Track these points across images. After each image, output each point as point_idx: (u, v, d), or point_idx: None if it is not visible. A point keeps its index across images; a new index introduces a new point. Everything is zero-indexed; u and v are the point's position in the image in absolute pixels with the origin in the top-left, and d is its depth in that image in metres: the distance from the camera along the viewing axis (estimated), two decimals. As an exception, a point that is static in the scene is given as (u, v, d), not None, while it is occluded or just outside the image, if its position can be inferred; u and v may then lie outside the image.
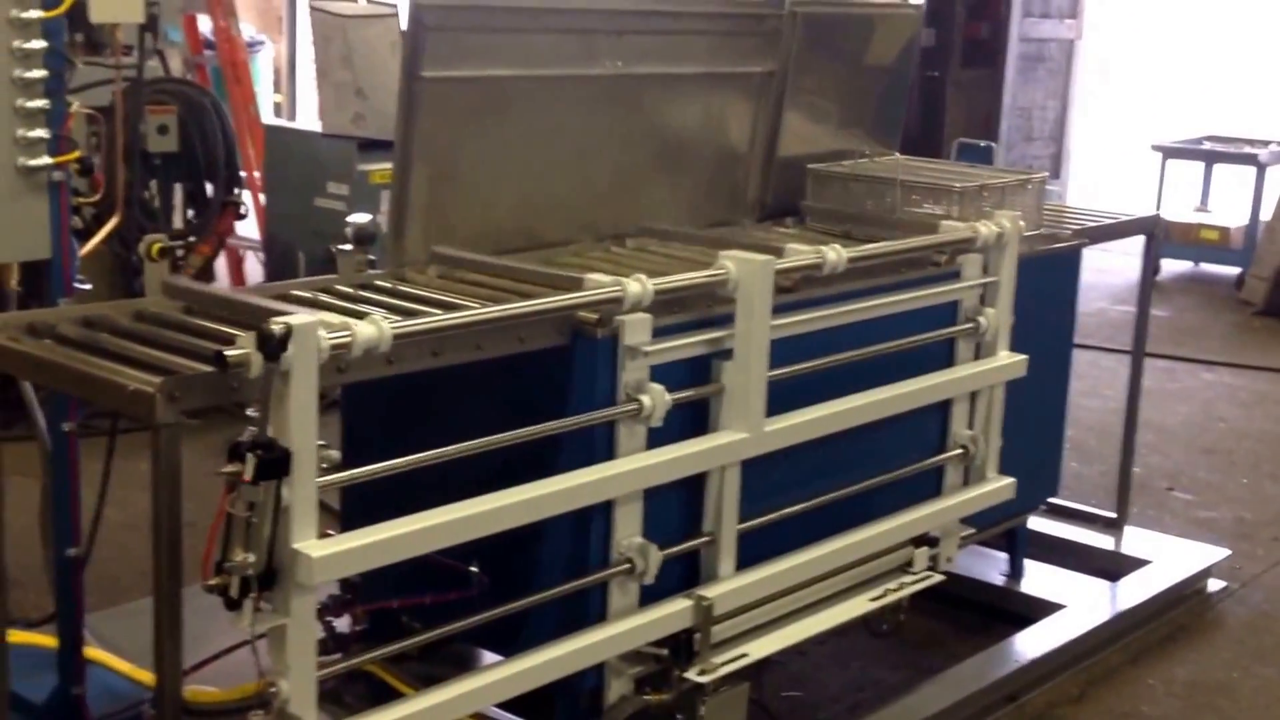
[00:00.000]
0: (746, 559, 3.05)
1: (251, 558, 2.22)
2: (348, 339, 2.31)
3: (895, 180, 3.77)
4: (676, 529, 2.95)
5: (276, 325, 2.19)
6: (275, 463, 2.20)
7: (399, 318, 2.52)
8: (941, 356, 3.53)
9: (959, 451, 3.56)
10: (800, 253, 3.09)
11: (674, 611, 2.85)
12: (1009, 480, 3.68)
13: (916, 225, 3.59)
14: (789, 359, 3.03)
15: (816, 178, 3.89)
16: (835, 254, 3.11)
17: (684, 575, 2.98)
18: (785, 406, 3.04)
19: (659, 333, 2.83)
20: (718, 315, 2.96)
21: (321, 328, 2.27)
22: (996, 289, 3.56)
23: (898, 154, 3.96)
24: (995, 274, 3.56)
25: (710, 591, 2.93)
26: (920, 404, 3.43)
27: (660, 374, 2.82)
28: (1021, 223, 3.61)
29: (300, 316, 2.28)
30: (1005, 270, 3.56)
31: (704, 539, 2.99)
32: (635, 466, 2.78)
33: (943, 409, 3.54)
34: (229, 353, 2.22)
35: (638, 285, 2.74)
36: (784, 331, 3.01)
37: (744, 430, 2.93)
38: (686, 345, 2.89)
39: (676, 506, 2.95)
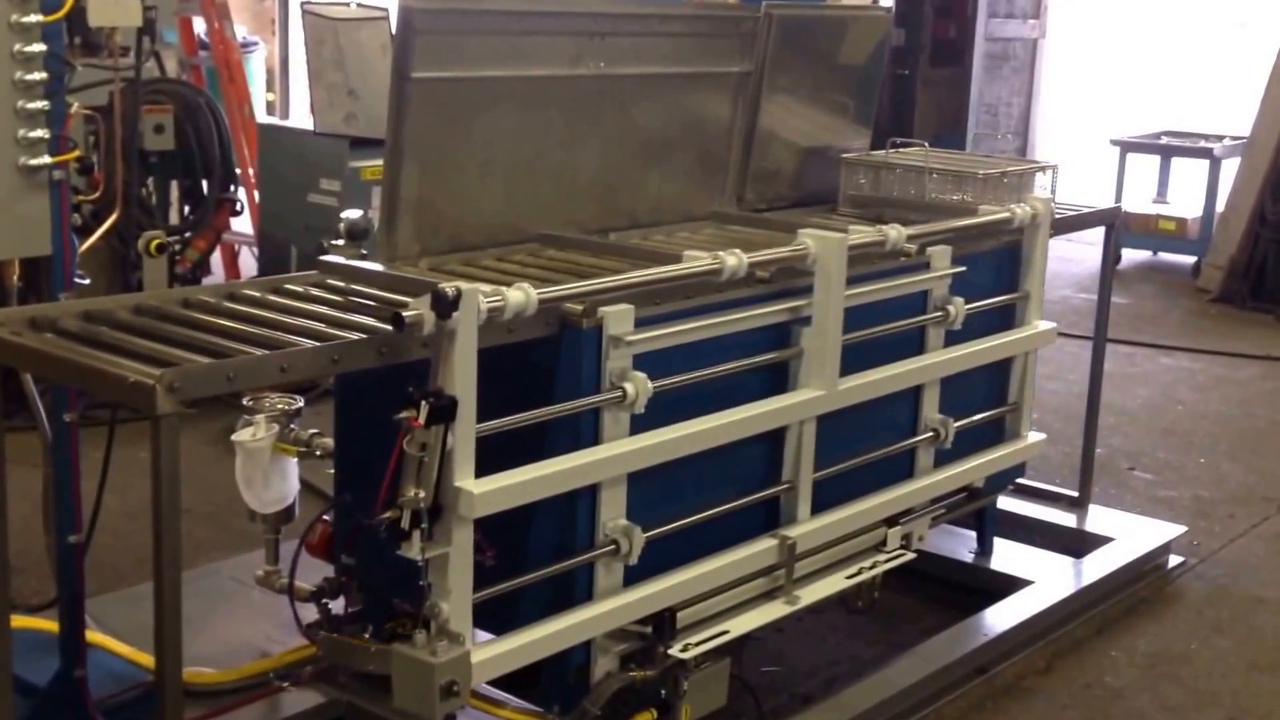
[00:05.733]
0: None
1: (422, 493, 2.44)
2: (501, 303, 2.55)
3: (926, 168, 3.97)
4: (757, 479, 3.21)
5: (449, 289, 2.42)
6: (444, 409, 2.43)
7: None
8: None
9: (929, 435, 3.67)
10: (864, 232, 3.34)
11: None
12: (1040, 436, 4.06)
13: (950, 209, 3.84)
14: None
15: (849, 166, 4.08)
16: (896, 233, 3.36)
17: (767, 520, 3.24)
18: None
19: (740, 304, 3.07)
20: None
21: (479, 294, 2.50)
22: (1031, 264, 3.89)
23: (926, 144, 4.14)
24: (1030, 251, 3.89)
25: (793, 532, 3.19)
26: (976, 364, 3.76)
27: (743, 341, 3.08)
28: (1053, 204, 3.91)
29: (463, 284, 2.50)
30: (1039, 247, 3.89)
31: (784, 486, 3.23)
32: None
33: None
34: (407, 314, 2.45)
35: (734, 259, 2.98)
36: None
37: (822, 388, 3.17)
38: (764, 315, 3.13)
39: (754, 459, 3.19)
